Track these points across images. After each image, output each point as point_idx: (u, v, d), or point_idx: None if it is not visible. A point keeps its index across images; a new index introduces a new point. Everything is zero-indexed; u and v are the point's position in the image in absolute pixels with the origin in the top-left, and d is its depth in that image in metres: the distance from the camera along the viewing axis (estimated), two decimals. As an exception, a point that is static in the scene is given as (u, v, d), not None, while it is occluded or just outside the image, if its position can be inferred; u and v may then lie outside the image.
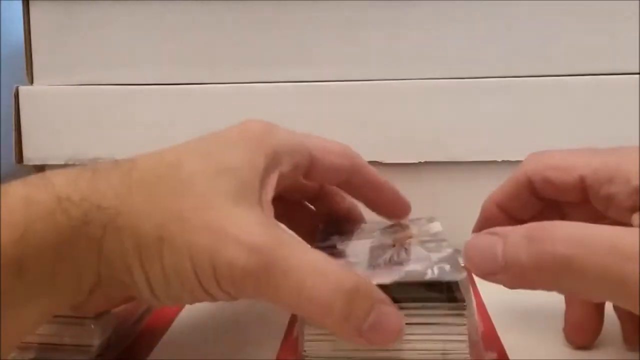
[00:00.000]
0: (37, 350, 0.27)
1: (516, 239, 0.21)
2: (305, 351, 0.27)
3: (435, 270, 0.25)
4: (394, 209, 0.32)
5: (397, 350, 0.26)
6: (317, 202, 0.33)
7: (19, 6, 0.46)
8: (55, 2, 0.46)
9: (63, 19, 0.46)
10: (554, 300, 0.34)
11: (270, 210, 0.24)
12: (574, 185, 0.24)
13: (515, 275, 0.21)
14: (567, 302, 0.29)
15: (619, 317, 0.27)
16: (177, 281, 0.21)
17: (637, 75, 0.40)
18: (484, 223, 0.29)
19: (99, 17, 0.45)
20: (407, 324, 0.26)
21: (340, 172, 0.29)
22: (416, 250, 0.28)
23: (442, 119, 0.42)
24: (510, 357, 0.28)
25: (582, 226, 0.20)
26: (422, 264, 0.26)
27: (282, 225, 0.25)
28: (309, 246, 0.23)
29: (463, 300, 0.26)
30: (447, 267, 0.25)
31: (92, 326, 0.27)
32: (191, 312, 0.34)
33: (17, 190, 0.21)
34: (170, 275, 0.21)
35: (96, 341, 0.27)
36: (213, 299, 0.22)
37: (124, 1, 0.45)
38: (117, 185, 0.22)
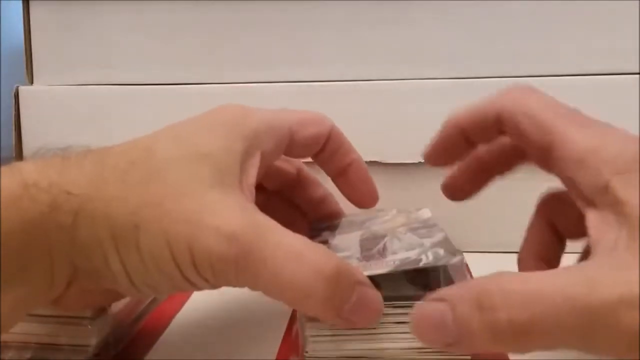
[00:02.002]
0: (34, 350, 0.27)
1: (465, 308, 0.18)
2: (307, 352, 0.27)
3: (430, 255, 0.25)
4: (362, 189, 0.31)
5: (398, 350, 0.27)
6: (294, 190, 0.32)
7: (19, 6, 0.46)
8: (55, 2, 0.46)
9: (63, 19, 0.46)
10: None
11: (251, 193, 0.24)
12: (542, 146, 0.23)
13: (471, 346, 0.19)
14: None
15: None
16: (155, 269, 0.21)
17: (637, 75, 0.40)
18: (441, 143, 0.28)
19: (99, 17, 0.45)
20: (405, 322, 0.26)
21: (319, 141, 0.28)
22: (409, 238, 0.28)
23: (442, 119, 0.42)
24: (510, 357, 0.28)
25: (532, 280, 0.18)
26: (416, 250, 0.26)
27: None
28: (288, 231, 0.22)
29: None
30: (441, 251, 0.25)
31: (89, 326, 0.26)
32: (190, 311, 0.34)
33: None
34: (148, 262, 0.21)
35: (93, 341, 0.27)
36: (193, 286, 0.22)
37: (124, 1, 0.45)
38: (89, 171, 0.21)
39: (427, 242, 0.27)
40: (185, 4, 0.44)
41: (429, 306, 0.20)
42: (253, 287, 0.22)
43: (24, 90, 0.46)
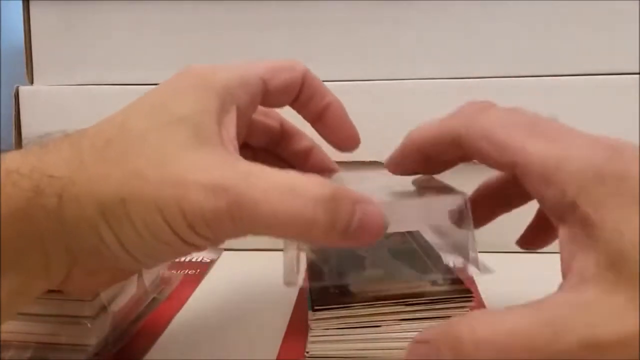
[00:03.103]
0: (34, 350, 0.27)
1: (446, 353, 0.19)
2: (307, 352, 0.27)
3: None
4: (342, 131, 0.31)
5: (399, 350, 0.27)
6: (280, 145, 0.32)
7: (19, 6, 0.46)
8: (55, 2, 0.46)
9: (63, 19, 0.46)
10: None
11: (234, 147, 0.23)
12: (505, 165, 0.22)
13: None
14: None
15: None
16: (151, 238, 0.21)
17: (637, 75, 0.40)
18: (400, 157, 0.28)
19: (99, 17, 0.45)
20: (412, 319, 0.26)
21: (293, 87, 0.28)
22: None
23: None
24: None
25: (503, 324, 0.18)
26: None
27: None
28: (275, 169, 0.21)
29: (469, 292, 0.27)
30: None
31: (89, 325, 0.27)
32: (190, 311, 0.34)
33: None
34: (143, 233, 0.21)
35: (93, 340, 0.27)
36: (195, 247, 0.22)
37: (124, 1, 0.45)
38: (68, 155, 0.21)
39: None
40: (185, 4, 0.44)
41: (416, 350, 0.20)
42: (254, 232, 0.21)
43: (24, 90, 0.46)
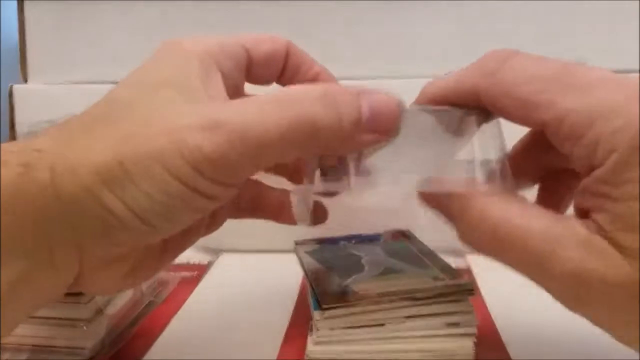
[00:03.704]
0: (30, 352, 0.27)
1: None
2: (307, 355, 0.27)
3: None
4: None
5: (403, 353, 0.27)
6: (285, 79, 0.29)
7: (13, 5, 0.45)
8: (50, 1, 0.45)
9: (58, 18, 0.46)
10: (557, 302, 0.34)
11: (222, 95, 0.22)
12: (529, 123, 0.21)
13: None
14: None
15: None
16: (160, 193, 0.19)
17: (637, 74, 0.40)
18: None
19: (94, 15, 0.45)
20: (417, 316, 0.26)
21: (277, 58, 0.26)
22: None
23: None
24: (512, 357, 0.28)
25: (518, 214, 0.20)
26: None
27: None
28: (262, 94, 0.20)
29: (470, 285, 0.27)
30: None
31: (85, 328, 0.26)
32: (190, 311, 0.34)
33: None
34: (149, 189, 0.19)
35: (89, 343, 0.27)
36: (211, 199, 0.20)
37: (119, 0, 0.45)
38: (55, 134, 0.21)
39: None
40: (184, 4, 0.44)
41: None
42: (267, 160, 0.20)
43: (18, 88, 0.46)
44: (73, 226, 0.20)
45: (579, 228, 0.19)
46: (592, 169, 0.19)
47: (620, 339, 0.19)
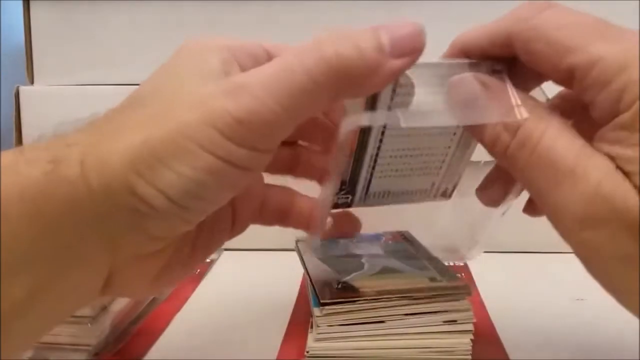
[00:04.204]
0: (34, 350, 0.27)
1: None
2: (307, 352, 0.27)
3: None
4: None
5: (401, 350, 0.27)
6: None
7: (19, 6, 0.46)
8: (56, 2, 0.46)
9: (64, 20, 0.46)
10: (555, 301, 0.34)
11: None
12: (562, 71, 0.21)
13: None
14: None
15: None
16: (191, 170, 0.19)
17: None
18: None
19: (99, 17, 0.45)
20: (416, 313, 0.27)
21: None
22: None
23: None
24: (509, 354, 0.28)
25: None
26: None
27: None
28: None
29: (467, 286, 0.27)
30: None
31: (89, 325, 0.27)
32: (190, 311, 0.34)
33: None
34: (180, 168, 0.19)
35: (93, 340, 0.27)
36: (245, 170, 0.20)
37: (124, 1, 0.45)
38: (86, 128, 0.20)
39: None
40: (185, 4, 0.44)
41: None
42: (297, 107, 0.19)
43: (24, 90, 0.46)
44: (105, 220, 0.19)
45: (607, 160, 0.19)
46: (613, 116, 0.19)
47: (613, 274, 0.19)
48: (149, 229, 0.20)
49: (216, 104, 0.19)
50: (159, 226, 0.20)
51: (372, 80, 0.20)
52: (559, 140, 0.20)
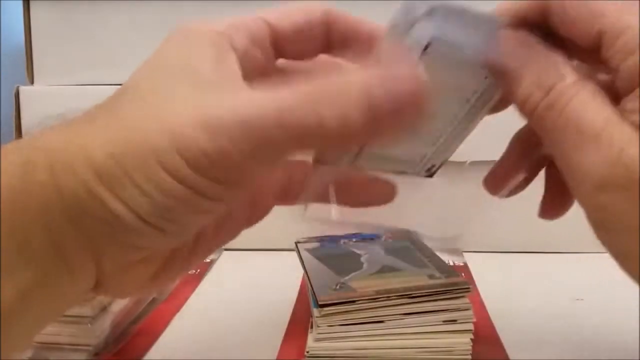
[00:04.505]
0: (34, 350, 0.27)
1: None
2: (307, 352, 0.27)
3: None
4: None
5: (400, 349, 0.27)
6: (334, 49, 0.25)
7: (19, 6, 0.46)
8: (56, 2, 0.46)
9: (64, 20, 0.46)
10: (555, 301, 0.34)
11: (235, 76, 0.20)
12: (590, 33, 0.21)
13: None
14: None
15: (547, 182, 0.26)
16: (157, 192, 0.18)
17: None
18: None
19: (99, 17, 0.45)
20: (415, 312, 0.27)
21: (314, 31, 0.24)
22: None
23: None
24: (509, 353, 0.28)
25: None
26: None
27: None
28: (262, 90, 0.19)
29: (466, 283, 0.27)
30: None
31: (89, 325, 0.27)
32: (190, 311, 0.34)
33: None
34: (147, 188, 0.18)
35: (93, 340, 0.27)
36: (214, 200, 0.19)
37: (124, 1, 0.45)
38: (58, 128, 0.20)
39: None
40: (185, 4, 0.44)
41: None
42: (269, 154, 0.19)
43: (24, 90, 0.46)
44: (81, 228, 0.19)
45: (634, 129, 0.19)
46: (636, 85, 0.19)
47: (623, 241, 0.20)
48: (127, 240, 0.19)
49: (187, 131, 0.18)
50: (137, 240, 0.19)
51: (349, 143, 0.20)
52: (588, 105, 0.20)
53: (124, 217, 0.18)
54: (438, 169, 0.25)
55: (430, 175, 0.25)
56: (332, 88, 0.18)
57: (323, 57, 0.25)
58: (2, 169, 0.18)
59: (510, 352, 0.28)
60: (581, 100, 0.20)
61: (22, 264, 0.18)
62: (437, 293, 0.27)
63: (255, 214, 0.25)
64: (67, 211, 0.18)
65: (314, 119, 0.18)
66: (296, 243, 0.34)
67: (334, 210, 0.24)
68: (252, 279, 0.39)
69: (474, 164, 0.25)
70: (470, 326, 0.27)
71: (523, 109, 0.21)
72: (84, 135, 0.19)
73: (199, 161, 0.18)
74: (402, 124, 0.19)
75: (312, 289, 0.28)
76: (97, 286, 0.20)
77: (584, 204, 0.20)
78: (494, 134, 0.40)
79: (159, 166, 0.18)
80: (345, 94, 0.18)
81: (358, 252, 0.33)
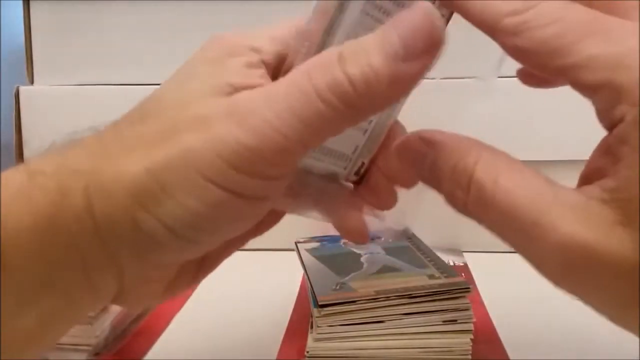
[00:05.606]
0: (34, 350, 0.27)
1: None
2: (308, 352, 0.27)
3: None
4: None
5: (400, 350, 0.27)
6: None
7: (19, 6, 0.46)
8: (56, 2, 0.46)
9: (63, 19, 0.46)
10: (555, 301, 0.34)
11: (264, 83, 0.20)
12: (553, 71, 0.18)
13: None
14: None
15: None
16: (198, 203, 0.17)
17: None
18: None
19: (99, 17, 0.45)
20: (415, 312, 0.27)
21: None
22: None
23: (442, 118, 0.42)
24: (509, 353, 0.28)
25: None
26: None
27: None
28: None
29: (466, 283, 0.27)
30: None
31: (90, 325, 0.27)
32: (190, 311, 0.34)
33: None
34: (186, 200, 0.17)
35: (93, 340, 0.27)
36: (259, 201, 0.19)
37: (124, 1, 0.45)
38: (90, 144, 0.19)
39: None
40: (185, 4, 0.44)
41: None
42: (314, 132, 0.18)
43: (24, 90, 0.46)
44: (110, 250, 0.18)
45: (575, 194, 0.17)
46: (612, 125, 0.17)
47: (613, 319, 0.18)
48: (154, 259, 0.19)
49: (222, 129, 0.17)
50: (165, 257, 0.19)
51: (390, 96, 0.18)
52: (514, 190, 0.17)
53: (156, 235, 0.18)
54: (365, 169, 0.24)
55: (359, 179, 0.24)
56: (349, 49, 0.17)
57: None
58: (37, 197, 0.18)
59: (510, 352, 0.28)
60: (504, 187, 0.17)
61: (49, 292, 0.18)
62: (437, 293, 0.27)
63: (268, 221, 0.24)
64: (99, 234, 0.18)
65: (342, 77, 0.17)
66: (296, 243, 0.34)
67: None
68: (252, 279, 0.39)
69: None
70: (470, 326, 0.27)
71: (456, 209, 0.19)
72: (117, 154, 0.18)
73: (242, 157, 0.17)
74: (423, 64, 0.17)
75: (312, 289, 0.28)
76: (115, 299, 0.20)
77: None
78: (495, 133, 0.40)
79: (199, 176, 0.17)
80: (364, 48, 0.17)
81: (358, 252, 0.33)
